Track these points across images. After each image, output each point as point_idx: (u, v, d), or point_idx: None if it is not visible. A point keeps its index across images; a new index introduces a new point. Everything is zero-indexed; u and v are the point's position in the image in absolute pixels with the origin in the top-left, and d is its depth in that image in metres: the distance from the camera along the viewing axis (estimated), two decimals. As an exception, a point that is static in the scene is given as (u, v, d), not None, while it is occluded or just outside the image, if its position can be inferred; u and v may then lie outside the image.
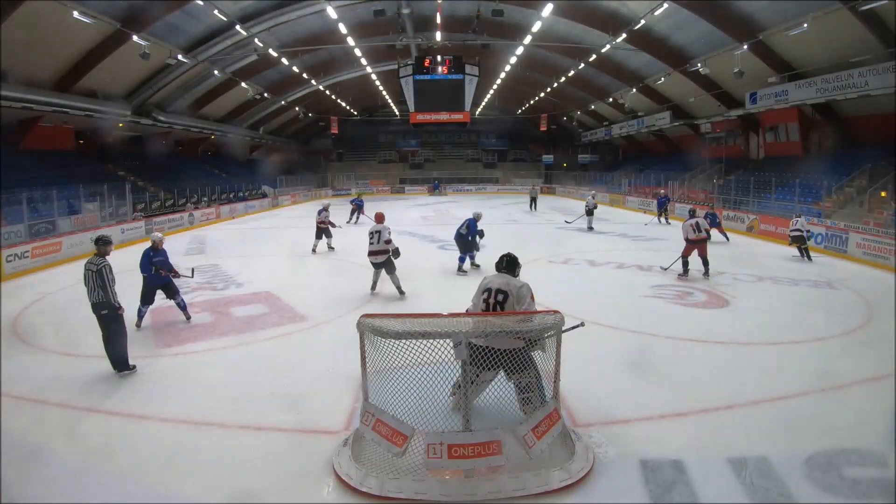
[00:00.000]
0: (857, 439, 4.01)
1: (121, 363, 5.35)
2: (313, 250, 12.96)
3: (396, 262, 8.40)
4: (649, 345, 6.20)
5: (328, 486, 3.57)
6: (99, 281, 5.18)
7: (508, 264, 4.44)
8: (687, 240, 9.68)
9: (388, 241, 8.28)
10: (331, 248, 13.31)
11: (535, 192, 26.60)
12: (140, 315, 6.96)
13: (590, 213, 17.42)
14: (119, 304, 5.32)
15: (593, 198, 18.25)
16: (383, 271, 8.42)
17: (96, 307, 5.26)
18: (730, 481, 3.56)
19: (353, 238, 14.76)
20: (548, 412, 3.75)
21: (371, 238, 8.32)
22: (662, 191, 22.28)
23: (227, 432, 4.27)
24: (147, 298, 6.99)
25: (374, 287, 8.62)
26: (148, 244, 7.21)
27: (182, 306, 7.28)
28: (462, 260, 10.29)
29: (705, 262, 9.66)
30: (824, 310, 7.82)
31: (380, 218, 8.89)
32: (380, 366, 3.67)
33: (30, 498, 3.46)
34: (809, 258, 11.61)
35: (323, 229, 13.05)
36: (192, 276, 7.99)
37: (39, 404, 4.79)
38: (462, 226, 10.16)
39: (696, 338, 6.39)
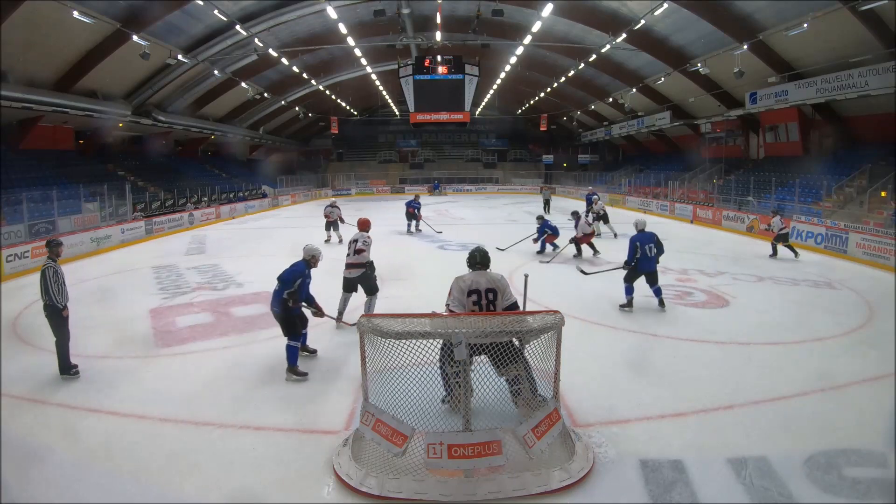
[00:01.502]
0: (857, 439, 4.01)
1: (62, 366, 5.28)
2: (326, 241, 14.35)
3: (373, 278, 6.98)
4: (649, 345, 6.20)
5: (328, 486, 3.57)
6: (43, 283, 5.25)
7: (483, 258, 4.41)
8: (583, 234, 11.55)
9: (360, 252, 6.69)
10: (340, 240, 14.15)
11: (546, 194, 25.15)
12: (294, 356, 5.25)
13: (604, 217, 15.48)
14: (64, 304, 5.26)
15: (595, 203, 16.10)
16: (361, 292, 6.96)
17: (44, 308, 5.33)
18: (730, 481, 3.56)
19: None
20: (548, 412, 3.75)
21: (349, 247, 6.99)
22: (591, 188, 22.74)
23: (227, 432, 4.27)
24: (293, 328, 5.30)
25: (339, 317, 6.85)
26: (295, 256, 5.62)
27: (303, 339, 5.67)
28: (630, 291, 7.49)
29: (580, 250, 11.65)
30: (824, 310, 7.81)
31: (363, 224, 7.35)
32: (380, 366, 3.68)
33: (30, 498, 3.46)
34: (776, 253, 11.96)
35: (331, 222, 14.68)
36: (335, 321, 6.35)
37: (39, 404, 4.79)
38: (646, 244, 7.22)
39: (696, 338, 6.39)
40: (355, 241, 6.96)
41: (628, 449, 3.93)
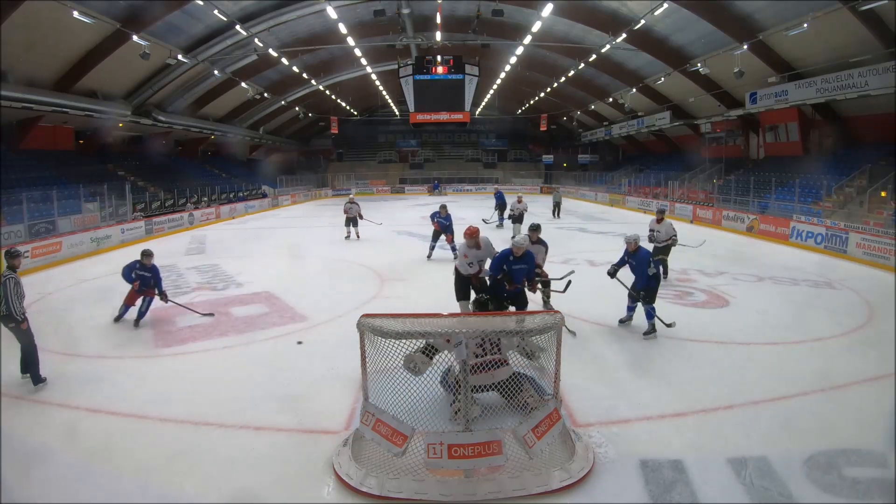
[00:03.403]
0: (857, 439, 4.01)
1: (32, 376, 5.11)
2: (346, 237, 14.79)
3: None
4: (649, 345, 6.19)
5: (328, 486, 3.58)
6: (3, 292, 5.04)
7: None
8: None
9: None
10: (357, 236, 14.80)
11: (558, 196, 22.70)
12: None
13: (518, 219, 14.39)
14: (23, 317, 5.08)
15: (519, 201, 14.76)
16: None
17: (2, 319, 5.12)
18: (730, 481, 3.56)
19: (360, 240, 14.81)
20: (548, 412, 3.75)
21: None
22: (496, 186, 21.84)
23: (227, 432, 4.27)
24: (523, 305, 5.66)
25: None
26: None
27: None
28: (649, 315, 6.34)
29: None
30: (824, 310, 7.82)
31: (472, 233, 6.27)
32: (380, 366, 3.68)
33: (30, 498, 3.46)
34: (667, 274, 9.09)
35: (350, 219, 14.80)
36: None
37: (39, 404, 4.80)
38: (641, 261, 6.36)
39: (696, 338, 6.38)
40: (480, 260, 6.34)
41: (628, 449, 3.92)
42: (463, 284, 6.36)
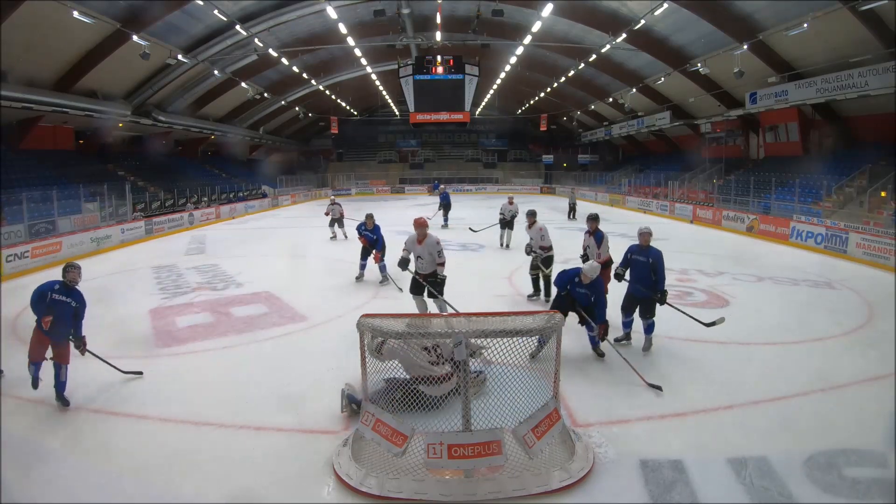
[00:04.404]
0: (857, 439, 4.01)
1: None
2: (332, 238, 14.95)
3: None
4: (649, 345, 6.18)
5: (328, 486, 3.57)
6: None
7: None
8: None
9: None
10: (345, 236, 14.78)
11: (573, 198, 22.06)
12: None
13: (508, 224, 13.00)
14: None
15: (510, 203, 13.26)
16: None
17: None
18: (730, 481, 3.56)
19: (352, 240, 14.80)
20: (548, 412, 3.75)
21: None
22: (440, 185, 21.33)
23: (227, 432, 4.27)
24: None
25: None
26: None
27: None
28: (650, 329, 5.90)
29: None
30: (824, 310, 7.81)
31: (419, 223, 6.38)
32: (380, 366, 3.68)
33: (30, 498, 3.46)
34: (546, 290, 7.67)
35: (335, 220, 14.94)
36: None
37: (39, 404, 4.79)
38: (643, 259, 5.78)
39: (696, 338, 6.37)
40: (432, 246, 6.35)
41: (628, 449, 3.92)
42: (414, 279, 6.38)
